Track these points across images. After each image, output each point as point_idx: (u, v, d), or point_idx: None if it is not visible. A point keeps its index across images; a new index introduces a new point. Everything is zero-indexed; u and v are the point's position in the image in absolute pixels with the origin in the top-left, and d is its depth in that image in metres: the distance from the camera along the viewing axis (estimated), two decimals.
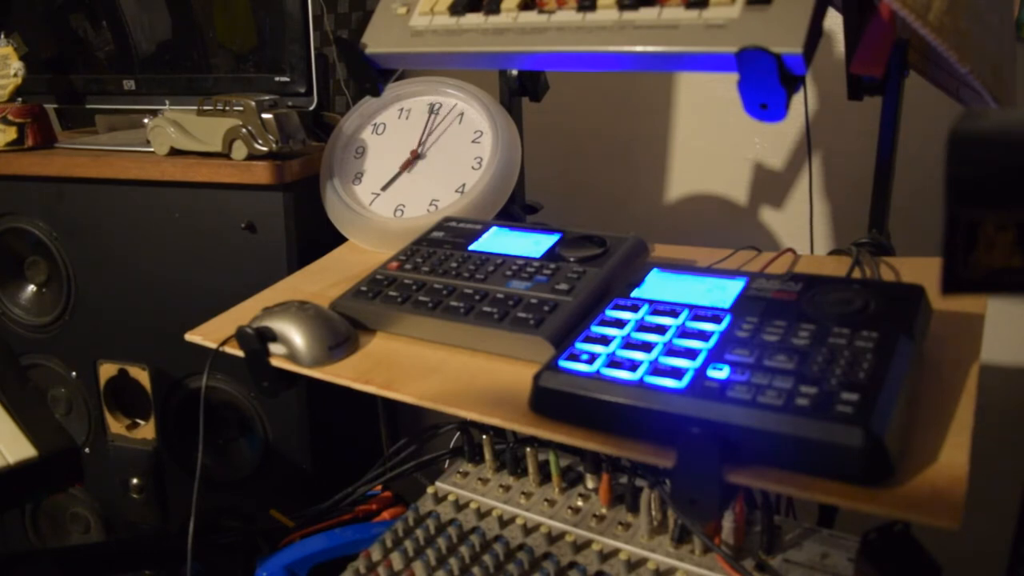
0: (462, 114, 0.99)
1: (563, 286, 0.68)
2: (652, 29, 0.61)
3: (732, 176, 1.23)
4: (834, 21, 0.78)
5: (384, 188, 0.98)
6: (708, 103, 1.22)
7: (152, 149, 1.09)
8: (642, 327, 0.59)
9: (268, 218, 1.02)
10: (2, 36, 1.16)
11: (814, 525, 0.61)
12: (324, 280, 0.87)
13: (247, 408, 1.12)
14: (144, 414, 1.21)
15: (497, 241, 0.79)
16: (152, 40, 1.20)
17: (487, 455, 0.74)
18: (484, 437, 0.74)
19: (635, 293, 0.64)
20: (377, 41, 0.74)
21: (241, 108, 1.00)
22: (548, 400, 0.56)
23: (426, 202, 0.95)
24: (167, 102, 1.17)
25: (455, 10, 0.70)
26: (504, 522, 0.67)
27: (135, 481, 1.23)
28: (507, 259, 0.74)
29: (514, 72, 0.95)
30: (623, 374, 0.54)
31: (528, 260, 0.73)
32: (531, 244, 0.76)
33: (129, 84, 1.20)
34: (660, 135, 1.26)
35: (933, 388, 0.53)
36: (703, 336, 0.56)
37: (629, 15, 0.62)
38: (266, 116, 1.00)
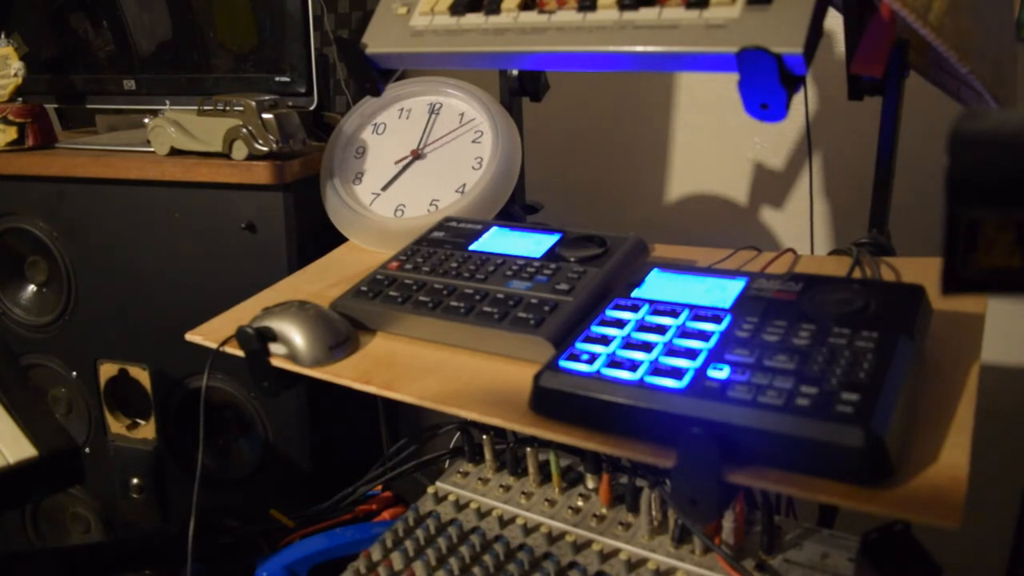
0: (462, 114, 0.99)
1: (563, 286, 0.68)
2: (652, 29, 0.61)
3: (732, 176, 1.23)
4: (834, 21, 0.78)
5: (384, 188, 0.98)
6: (708, 103, 1.22)
7: (152, 149, 1.09)
8: (642, 327, 0.59)
9: (268, 218, 1.02)
10: (2, 36, 1.16)
11: (814, 525, 0.61)
12: (324, 280, 0.87)
13: (247, 408, 1.12)
14: (144, 414, 1.21)
15: (497, 241, 0.79)
16: (152, 40, 1.20)
17: (487, 455, 0.74)
18: (484, 437, 0.74)
19: (635, 293, 0.64)
20: (377, 41, 0.74)
21: (241, 108, 1.00)
22: (548, 400, 0.56)
23: (426, 202, 0.95)
24: (167, 102, 1.17)
25: (455, 10, 0.70)
26: (504, 522, 0.67)
27: (135, 481, 1.23)
28: (507, 259, 0.74)
29: (514, 72, 0.95)
30: (623, 374, 0.54)
31: (528, 260, 0.73)
32: (531, 244, 0.76)
33: (129, 84, 1.20)
34: (660, 135, 1.26)
35: (933, 388, 0.53)
36: (703, 336, 0.56)
37: (629, 15, 0.62)
38: (266, 116, 1.00)
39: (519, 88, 0.96)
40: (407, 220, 0.94)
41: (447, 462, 0.79)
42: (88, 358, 1.20)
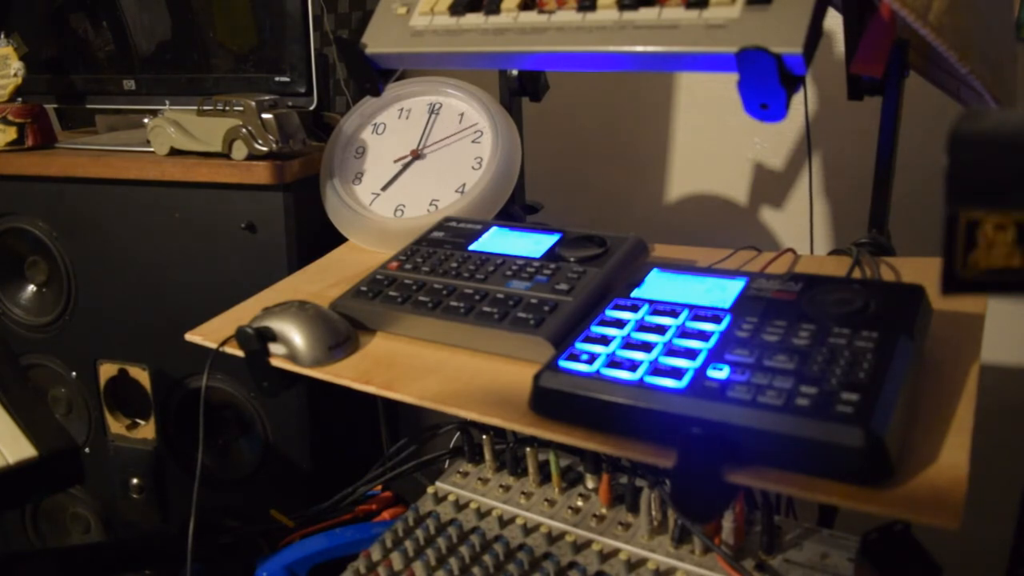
0: (462, 114, 0.99)
1: (563, 286, 0.68)
2: (652, 29, 0.61)
3: (732, 176, 1.23)
4: (834, 21, 0.78)
5: (384, 188, 0.98)
6: (708, 103, 1.22)
7: (152, 149, 1.09)
8: (642, 327, 0.59)
9: (268, 218, 1.02)
10: (2, 36, 1.16)
11: (814, 525, 0.61)
12: (324, 280, 0.87)
13: (247, 408, 1.12)
14: (144, 414, 1.21)
15: (497, 241, 0.79)
16: (152, 40, 1.20)
17: (487, 455, 0.74)
18: (484, 437, 0.74)
19: (635, 293, 0.64)
20: (377, 41, 0.74)
21: (241, 108, 1.00)
22: (548, 400, 0.56)
23: (426, 202, 0.95)
24: (167, 102, 1.17)
25: (455, 10, 0.70)
26: (504, 522, 0.67)
27: (135, 481, 1.23)
28: (507, 259, 0.74)
29: (514, 72, 0.95)
30: (623, 374, 0.54)
31: (528, 260, 0.73)
32: (531, 244, 0.76)
33: (129, 84, 1.20)
34: (660, 135, 1.26)
35: (933, 388, 0.53)
36: (703, 336, 0.56)
37: (629, 15, 0.62)
38: (266, 116, 1.00)
39: (519, 88, 0.96)
40: (407, 220, 0.94)
41: (447, 462, 0.79)
42: (88, 358, 1.20)
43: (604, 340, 0.58)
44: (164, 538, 0.96)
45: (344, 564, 0.66)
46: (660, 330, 0.58)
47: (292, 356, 0.69)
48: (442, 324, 0.68)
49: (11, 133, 1.16)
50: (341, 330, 0.71)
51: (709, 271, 0.67)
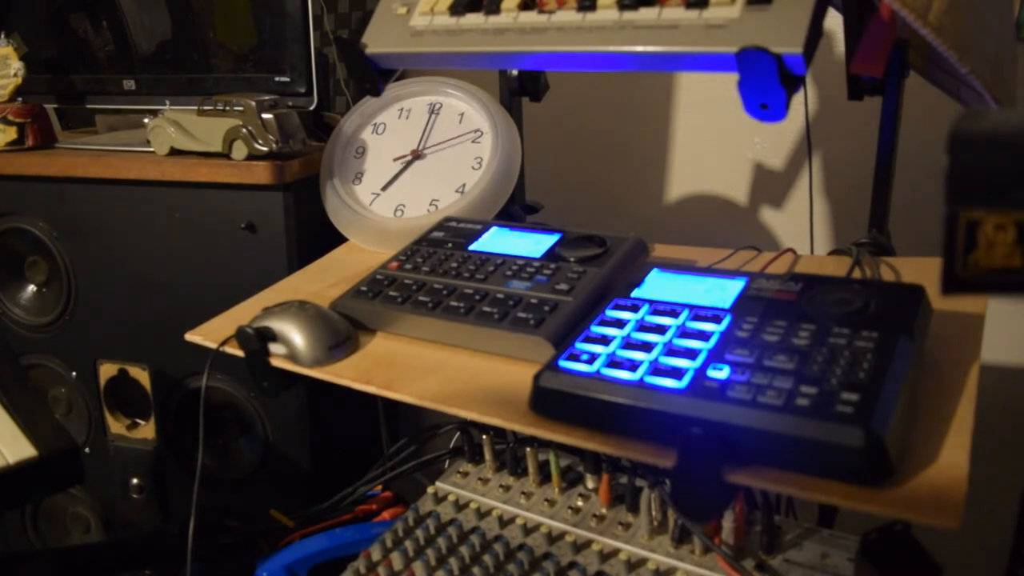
0: (462, 114, 0.99)
1: (563, 286, 0.68)
2: (652, 29, 0.61)
3: (732, 176, 1.23)
4: (834, 21, 0.78)
5: (384, 188, 0.98)
6: (708, 103, 1.22)
7: (152, 149, 1.09)
8: (642, 327, 0.59)
9: (268, 218, 1.02)
10: (2, 36, 1.16)
11: (814, 525, 0.61)
12: (324, 280, 0.87)
13: (247, 408, 1.12)
14: (144, 414, 1.21)
15: (497, 241, 0.79)
16: (152, 40, 1.20)
17: (487, 455, 0.74)
18: (484, 437, 0.74)
19: (635, 293, 0.64)
20: (377, 41, 0.74)
21: (241, 108, 1.00)
22: (548, 400, 0.56)
23: (426, 202, 0.95)
24: (167, 102, 1.17)
25: (455, 10, 0.70)
26: (504, 522, 0.67)
27: (135, 481, 1.23)
28: (507, 259, 0.74)
29: (514, 72, 0.95)
30: (623, 374, 0.54)
31: (528, 260, 0.73)
32: (531, 244, 0.76)
33: (129, 84, 1.20)
34: (660, 135, 1.26)
35: (933, 388, 0.53)
36: (703, 336, 0.56)
37: (629, 15, 0.62)
38: (266, 116, 1.00)
39: (519, 88, 0.96)
40: (407, 220, 0.94)
41: (447, 462, 0.79)
42: (88, 358, 1.20)
43: (604, 340, 0.58)
44: (164, 538, 0.96)
45: (344, 564, 0.66)
46: (660, 330, 0.58)
47: (292, 356, 0.69)
48: (442, 324, 0.68)
49: (11, 133, 1.16)
50: (341, 330, 0.71)
51: (709, 271, 0.67)
